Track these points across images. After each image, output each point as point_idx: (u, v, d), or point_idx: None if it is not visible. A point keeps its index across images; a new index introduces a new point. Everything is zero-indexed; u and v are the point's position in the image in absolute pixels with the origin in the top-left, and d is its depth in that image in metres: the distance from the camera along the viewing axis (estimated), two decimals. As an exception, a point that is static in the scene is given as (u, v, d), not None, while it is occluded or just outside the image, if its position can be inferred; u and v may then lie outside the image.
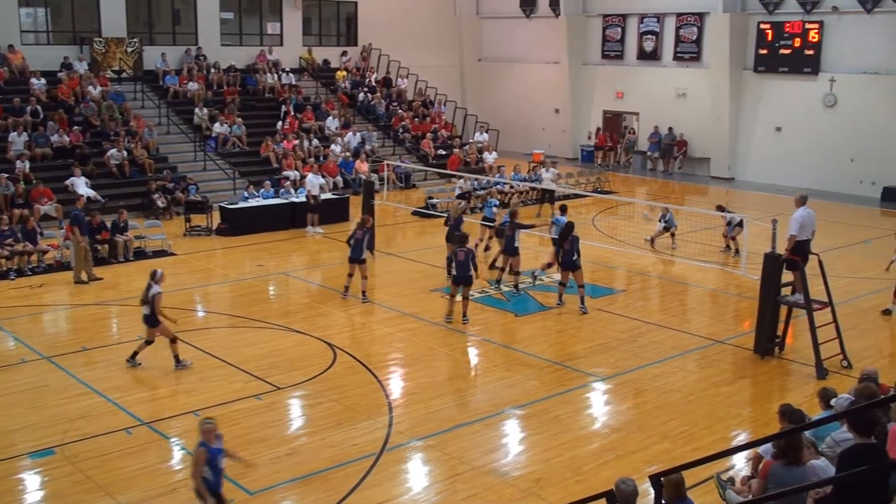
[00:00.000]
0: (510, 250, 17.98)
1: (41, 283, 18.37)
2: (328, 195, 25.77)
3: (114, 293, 17.84)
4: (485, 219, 20.99)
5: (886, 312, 16.83)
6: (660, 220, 21.80)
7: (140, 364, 13.61)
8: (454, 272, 15.80)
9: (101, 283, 18.43)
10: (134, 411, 12.05)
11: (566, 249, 16.57)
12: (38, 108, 26.30)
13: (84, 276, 18.49)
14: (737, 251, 20.70)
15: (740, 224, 20.49)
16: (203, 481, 8.56)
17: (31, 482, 10.30)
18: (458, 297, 15.98)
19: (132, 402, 12.35)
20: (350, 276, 17.25)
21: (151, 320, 13.40)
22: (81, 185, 23.86)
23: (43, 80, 27.49)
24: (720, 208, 21.28)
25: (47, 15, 30.13)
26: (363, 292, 17.30)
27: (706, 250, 21.27)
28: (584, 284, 16.87)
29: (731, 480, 9.06)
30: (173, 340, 13.46)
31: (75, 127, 26.36)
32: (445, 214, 20.64)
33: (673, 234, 21.89)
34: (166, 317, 13.56)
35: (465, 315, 15.99)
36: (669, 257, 21.07)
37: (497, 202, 22.23)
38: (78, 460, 10.65)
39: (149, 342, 13.58)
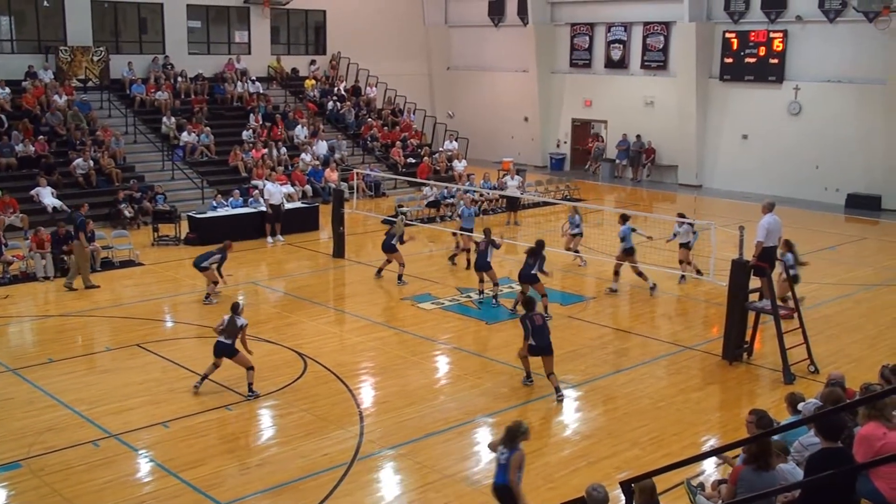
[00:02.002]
0: (483, 265, 18.07)
1: (6, 295, 18.12)
2: (298, 204, 25.70)
3: (80, 304, 17.65)
4: (463, 228, 21.05)
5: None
6: (572, 222, 20.95)
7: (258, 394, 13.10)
8: (532, 342, 13.07)
9: (67, 294, 18.24)
10: (102, 423, 11.91)
11: (529, 263, 16.76)
12: (3, 117, 25.98)
13: (76, 284, 18.50)
14: (698, 271, 19.31)
15: (686, 245, 19.32)
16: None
17: (-3, 497, 10.16)
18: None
19: (100, 415, 12.20)
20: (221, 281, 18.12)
21: (230, 350, 13.02)
22: (47, 195, 23.62)
23: (7, 90, 27.15)
24: (681, 216, 19.81)
25: (11, 23, 29.77)
26: (208, 293, 17.90)
27: (674, 257, 21.36)
28: (546, 294, 16.95)
29: (702, 486, 9.12)
30: (251, 368, 13.08)
31: (40, 136, 26.06)
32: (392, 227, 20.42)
33: (577, 251, 21.01)
34: (246, 347, 13.25)
35: (558, 391, 13.07)
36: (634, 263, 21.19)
37: (474, 211, 22.13)
38: (45, 473, 10.51)
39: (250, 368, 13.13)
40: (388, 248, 19.44)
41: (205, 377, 13.08)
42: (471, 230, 20.76)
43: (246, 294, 18.73)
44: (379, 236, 24.30)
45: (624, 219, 18.88)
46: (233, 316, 13.12)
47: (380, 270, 19.89)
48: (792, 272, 15.79)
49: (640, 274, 18.87)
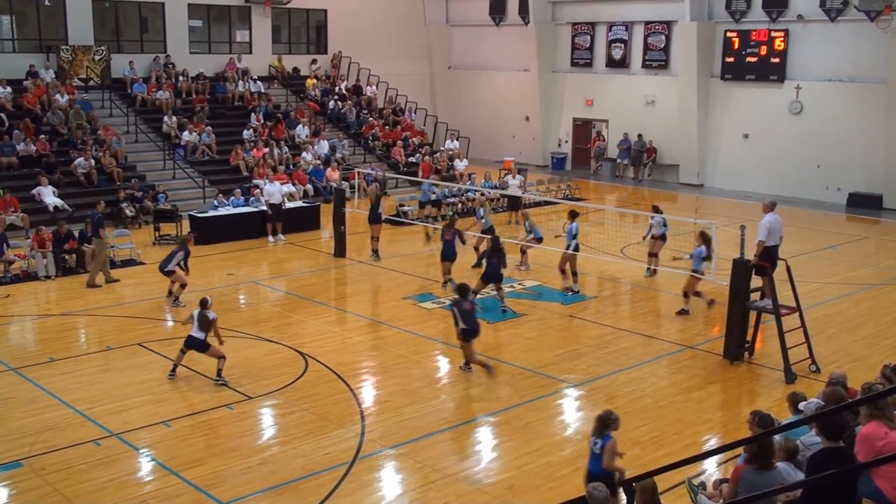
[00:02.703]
0: (450, 255, 18.46)
1: (8, 294, 18.13)
2: (299, 203, 25.70)
3: (81, 303, 17.66)
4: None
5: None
6: (527, 229, 20.52)
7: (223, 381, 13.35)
8: (464, 325, 13.58)
9: (68, 293, 18.29)
10: (103, 422, 11.91)
11: (493, 262, 17.03)
12: (4, 116, 25.99)
13: (99, 280, 18.68)
14: (654, 270, 19.66)
15: (663, 237, 19.39)
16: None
17: (-2, 496, 10.16)
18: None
19: (101, 414, 12.21)
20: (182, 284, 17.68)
21: (201, 345, 13.26)
22: (48, 195, 23.63)
23: (8, 89, 27.15)
24: (655, 209, 19.92)
25: (12, 22, 29.80)
26: (175, 296, 17.56)
27: (666, 255, 21.30)
28: (501, 288, 17.37)
29: (703, 485, 9.12)
30: (222, 357, 13.34)
31: (42, 135, 26.07)
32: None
33: (524, 252, 20.59)
34: (219, 338, 13.48)
35: (468, 364, 13.99)
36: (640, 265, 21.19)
37: (483, 211, 22.05)
38: (46, 473, 10.51)
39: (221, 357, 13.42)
40: (375, 218, 20.53)
41: (176, 365, 13.49)
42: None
43: (247, 293, 18.75)
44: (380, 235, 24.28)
45: (573, 216, 18.58)
46: (202, 311, 13.28)
47: (374, 251, 20.84)
48: (699, 266, 16.57)
49: (563, 271, 18.60)
